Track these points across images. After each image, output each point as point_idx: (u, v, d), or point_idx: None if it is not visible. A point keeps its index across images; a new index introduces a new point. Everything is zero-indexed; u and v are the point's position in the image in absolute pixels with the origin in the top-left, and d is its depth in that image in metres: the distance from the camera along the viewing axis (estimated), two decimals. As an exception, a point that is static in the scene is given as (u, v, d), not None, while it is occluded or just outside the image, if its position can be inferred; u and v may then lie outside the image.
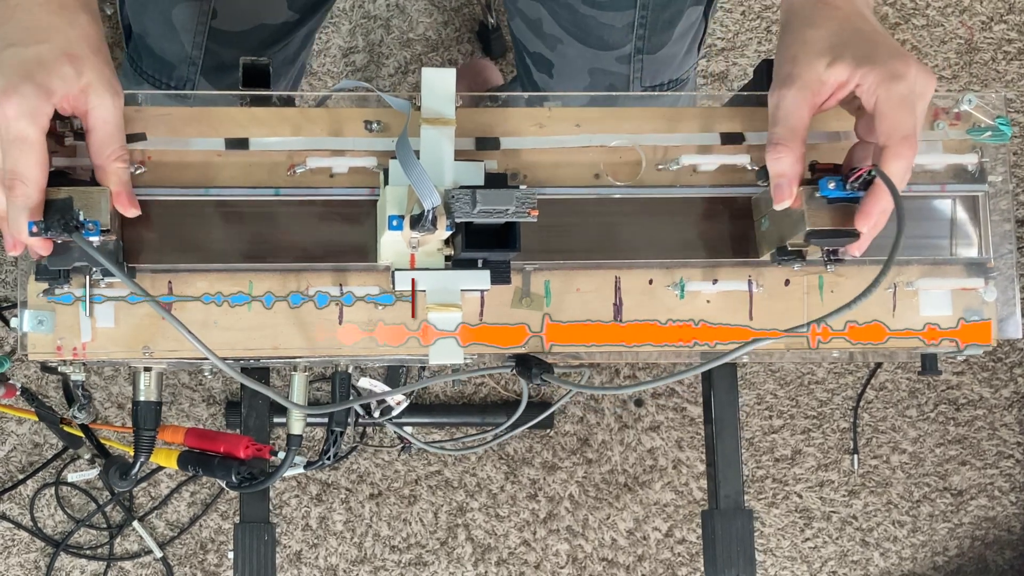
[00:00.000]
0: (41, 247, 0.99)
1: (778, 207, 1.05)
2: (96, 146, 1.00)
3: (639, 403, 2.18)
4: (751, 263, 1.13)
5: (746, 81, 2.23)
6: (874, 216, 1.03)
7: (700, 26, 1.47)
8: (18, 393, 1.28)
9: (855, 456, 2.21)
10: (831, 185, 1.04)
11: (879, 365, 2.21)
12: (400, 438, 1.28)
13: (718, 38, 2.26)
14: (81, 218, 0.97)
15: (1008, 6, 2.31)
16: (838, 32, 1.04)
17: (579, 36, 1.41)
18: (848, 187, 1.03)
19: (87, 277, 1.06)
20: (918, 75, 1.01)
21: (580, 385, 1.12)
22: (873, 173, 1.01)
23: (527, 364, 1.10)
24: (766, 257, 1.11)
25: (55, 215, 0.97)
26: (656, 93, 1.47)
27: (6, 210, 0.98)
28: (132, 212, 1.02)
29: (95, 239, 0.98)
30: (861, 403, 2.22)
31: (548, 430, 2.15)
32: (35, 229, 0.96)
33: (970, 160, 1.16)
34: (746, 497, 1.28)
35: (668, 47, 1.43)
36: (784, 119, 1.03)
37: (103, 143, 1.00)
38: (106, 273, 1.04)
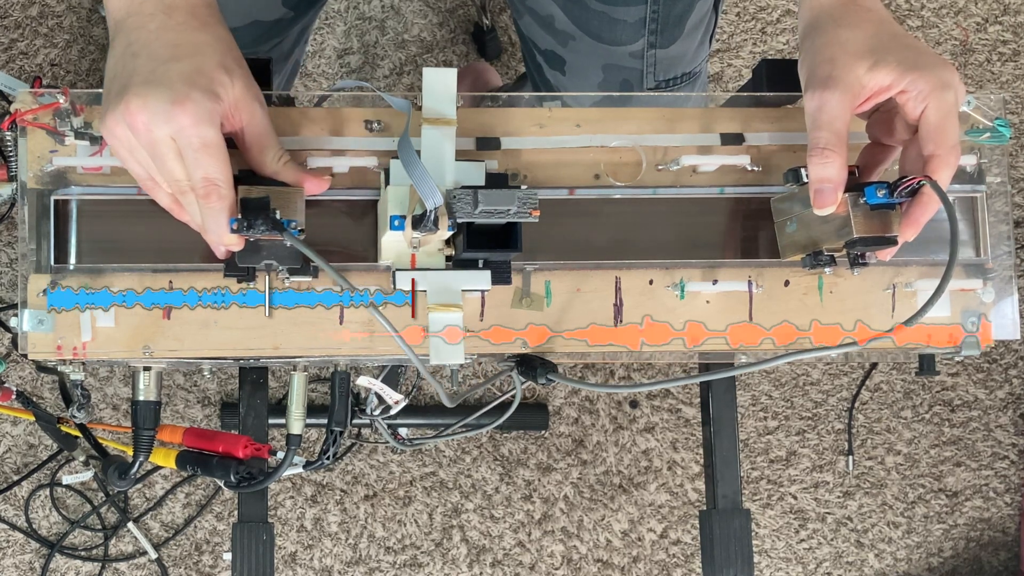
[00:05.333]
0: (236, 243, 1.00)
1: (820, 212, 1.04)
2: (260, 158, 1.01)
3: (634, 404, 2.18)
4: (751, 264, 1.13)
5: (741, 82, 2.24)
6: (922, 225, 1.04)
7: (711, 19, 1.47)
8: (13, 397, 1.28)
9: (850, 457, 2.21)
10: (880, 193, 1.03)
11: (874, 366, 2.21)
12: (394, 434, 1.28)
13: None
14: (278, 217, 0.98)
15: (1003, 7, 2.32)
16: (876, 35, 1.04)
17: (591, 32, 1.41)
18: (896, 195, 1.03)
19: (268, 275, 1.07)
20: (960, 84, 1.02)
21: (595, 384, 1.12)
22: (922, 183, 1.02)
23: (530, 364, 1.10)
24: (795, 259, 1.11)
25: (256, 213, 0.97)
26: (666, 93, 1.46)
27: (201, 220, 0.98)
28: (324, 187, 1.04)
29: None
30: (856, 404, 2.22)
31: (543, 431, 2.15)
32: (236, 226, 0.97)
33: (969, 161, 1.17)
34: (741, 498, 1.28)
35: (680, 41, 1.43)
36: (829, 123, 1.02)
37: (263, 152, 1.01)
38: (293, 271, 1.06)
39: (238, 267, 1.05)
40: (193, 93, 0.94)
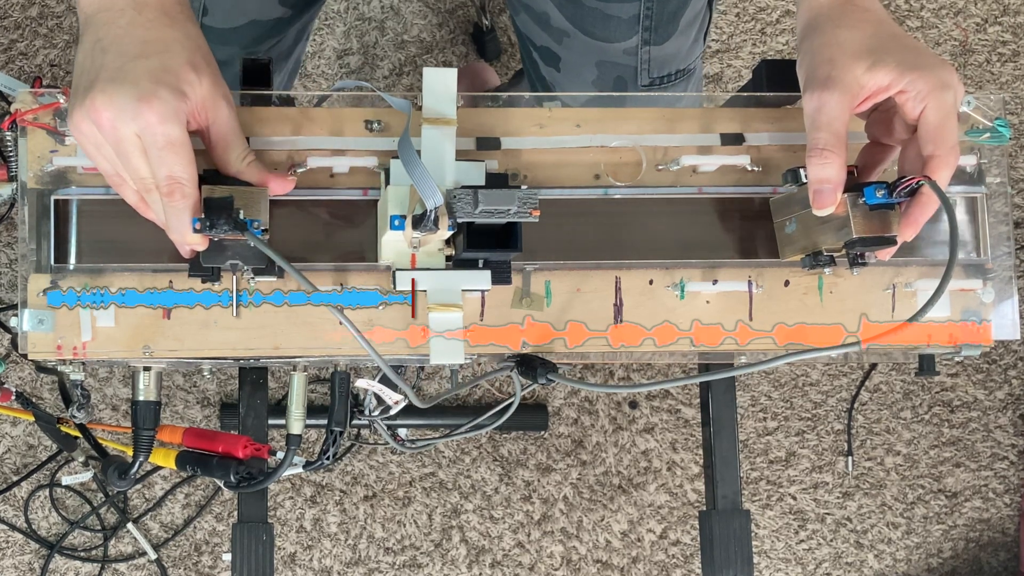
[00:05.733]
0: (199, 243, 1.00)
1: (819, 213, 1.04)
2: (224, 157, 1.01)
3: (633, 405, 2.18)
4: (751, 264, 1.13)
5: (740, 82, 2.24)
6: (921, 225, 1.04)
7: (705, 16, 1.47)
8: (13, 398, 1.28)
9: (849, 458, 2.21)
10: (879, 194, 1.03)
11: (873, 366, 2.21)
12: (393, 435, 1.28)
13: (712, 40, 2.27)
14: (241, 217, 0.98)
15: (1002, 8, 2.32)
16: (875, 35, 1.04)
17: (586, 29, 1.42)
18: (895, 196, 1.03)
19: (235, 275, 1.07)
20: (959, 84, 1.02)
21: (595, 385, 1.12)
22: (921, 183, 1.02)
23: (530, 364, 1.10)
24: (795, 259, 1.11)
25: (219, 213, 0.97)
26: (658, 93, 1.46)
27: (165, 218, 0.98)
28: (289, 187, 1.04)
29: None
30: (855, 405, 2.22)
31: (543, 432, 2.15)
32: (199, 226, 0.97)
33: (969, 161, 1.17)
34: (741, 498, 1.28)
35: (675, 38, 1.43)
36: (828, 124, 1.02)
37: (228, 151, 1.01)
38: (258, 271, 1.05)
39: (202, 267, 1.05)
40: (160, 91, 0.94)
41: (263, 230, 1.00)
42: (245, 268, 1.05)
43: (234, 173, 1.02)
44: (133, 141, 0.95)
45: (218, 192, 0.99)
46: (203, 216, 0.97)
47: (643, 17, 1.40)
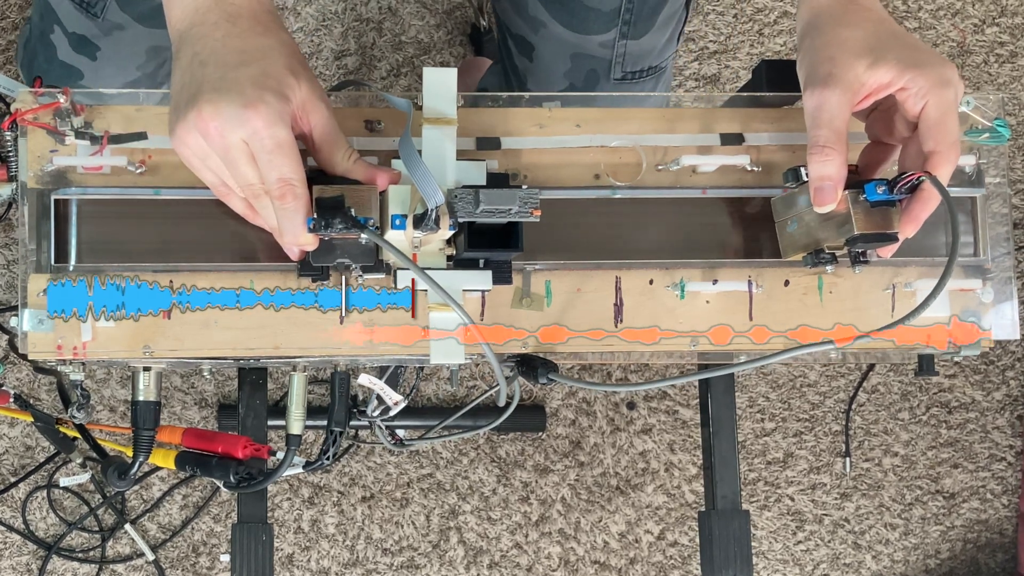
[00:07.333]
0: (311, 243, 1.01)
1: (820, 210, 1.04)
2: (331, 157, 1.02)
3: (631, 406, 2.18)
4: (751, 264, 1.13)
5: (738, 83, 2.24)
6: (922, 221, 1.05)
7: (682, 16, 1.48)
8: (11, 400, 1.28)
9: (847, 459, 2.21)
10: (880, 190, 1.03)
11: (871, 367, 2.21)
12: (392, 436, 1.28)
13: (710, 40, 2.27)
14: (353, 214, 0.99)
15: (1000, 9, 2.32)
16: (875, 33, 1.05)
17: (564, 20, 1.42)
18: (896, 192, 1.03)
19: (343, 274, 1.08)
20: (959, 81, 1.03)
21: (596, 384, 1.12)
22: (922, 179, 1.02)
23: (531, 364, 1.10)
24: (796, 258, 1.11)
25: (332, 212, 0.98)
26: (625, 93, 1.46)
27: (277, 221, 0.99)
28: (396, 180, 1.04)
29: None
30: (853, 406, 2.22)
31: (540, 433, 2.15)
32: (312, 226, 0.98)
33: (968, 162, 1.17)
34: (741, 499, 1.28)
35: (651, 34, 1.43)
36: (829, 122, 1.02)
37: (334, 151, 1.02)
38: (367, 269, 1.06)
39: (312, 267, 1.06)
40: (264, 96, 0.95)
41: (376, 227, 1.00)
42: (354, 267, 1.05)
43: (342, 172, 1.02)
44: (241, 148, 0.96)
45: (328, 192, 1.00)
46: (316, 216, 0.98)
47: (624, 10, 1.40)
